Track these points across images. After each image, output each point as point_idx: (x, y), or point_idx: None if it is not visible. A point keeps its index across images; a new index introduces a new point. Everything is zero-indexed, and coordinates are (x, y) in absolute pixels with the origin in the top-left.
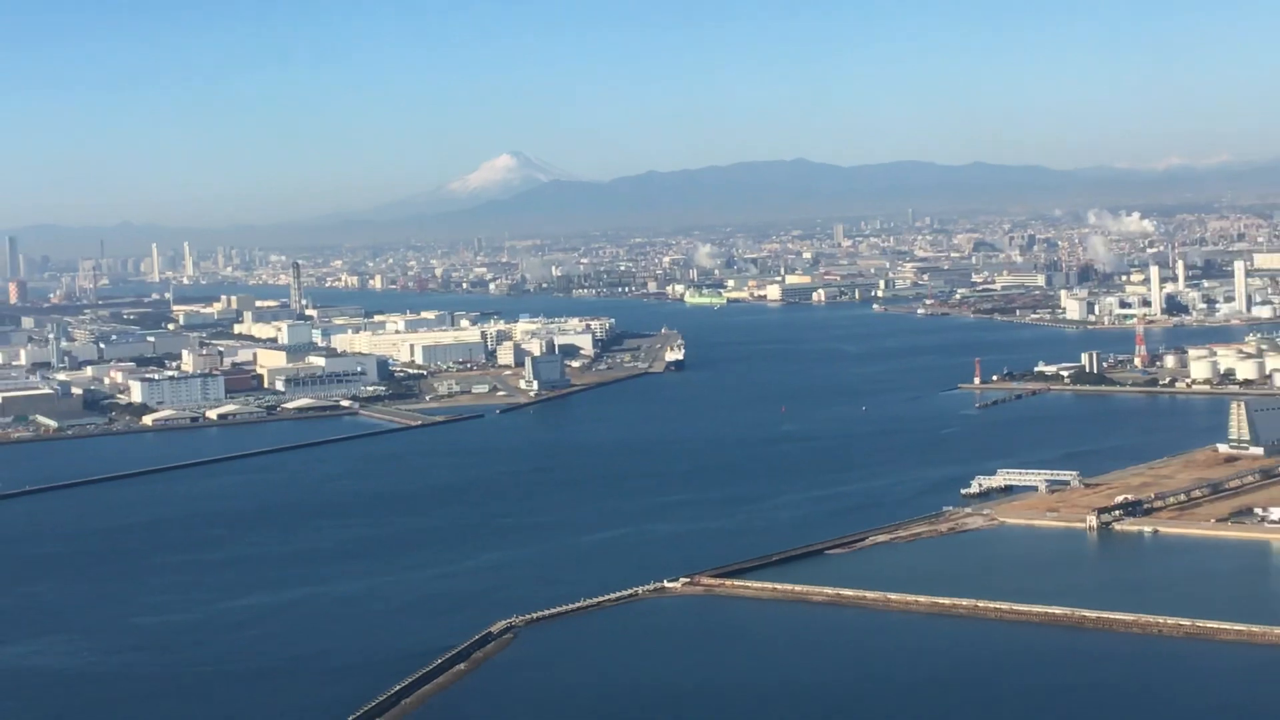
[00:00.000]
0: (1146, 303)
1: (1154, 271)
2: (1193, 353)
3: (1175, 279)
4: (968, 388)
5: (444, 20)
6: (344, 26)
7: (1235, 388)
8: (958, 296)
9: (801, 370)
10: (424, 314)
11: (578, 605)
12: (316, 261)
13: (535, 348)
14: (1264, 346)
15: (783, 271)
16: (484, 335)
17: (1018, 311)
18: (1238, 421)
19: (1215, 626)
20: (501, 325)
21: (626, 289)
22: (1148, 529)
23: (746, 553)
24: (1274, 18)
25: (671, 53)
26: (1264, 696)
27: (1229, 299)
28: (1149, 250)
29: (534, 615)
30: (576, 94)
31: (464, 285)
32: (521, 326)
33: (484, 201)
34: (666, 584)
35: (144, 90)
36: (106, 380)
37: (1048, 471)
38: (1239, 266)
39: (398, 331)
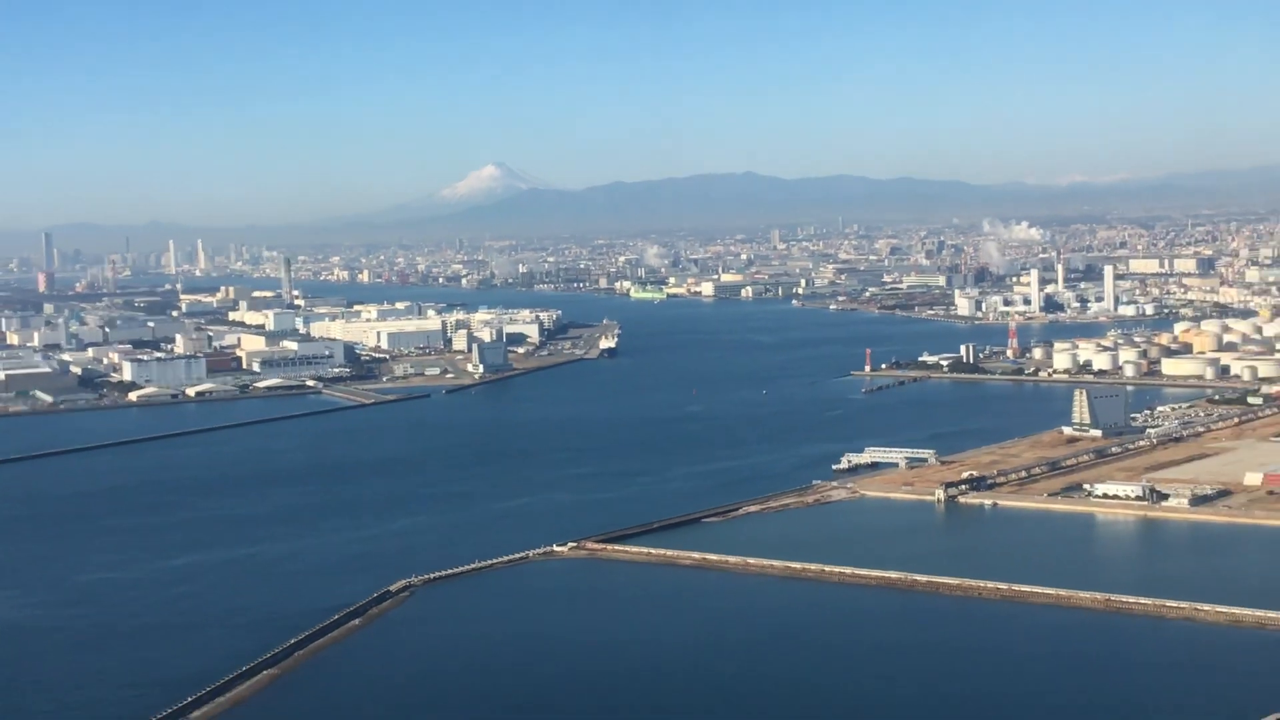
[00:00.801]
0: (1028, 301)
1: (1034, 274)
2: (1057, 345)
3: (1056, 281)
4: (859, 374)
5: (439, 47)
6: (351, 53)
7: (1090, 377)
8: (867, 294)
9: (719, 357)
10: (397, 304)
11: (472, 567)
12: (316, 258)
13: (487, 335)
14: (1119, 340)
15: (720, 271)
16: (444, 324)
17: (916, 308)
18: (1080, 407)
19: (1029, 590)
20: (461, 315)
21: (581, 284)
22: (988, 502)
23: (633, 520)
24: (1170, 50)
25: (639, 77)
26: (1062, 654)
27: (1099, 299)
28: (1041, 255)
29: (431, 575)
30: (554, 112)
31: (441, 280)
32: (479, 316)
33: (471, 207)
34: (555, 548)
35: (175, 108)
36: (105, 361)
37: (909, 450)
38: (1108, 271)
39: (369, 320)
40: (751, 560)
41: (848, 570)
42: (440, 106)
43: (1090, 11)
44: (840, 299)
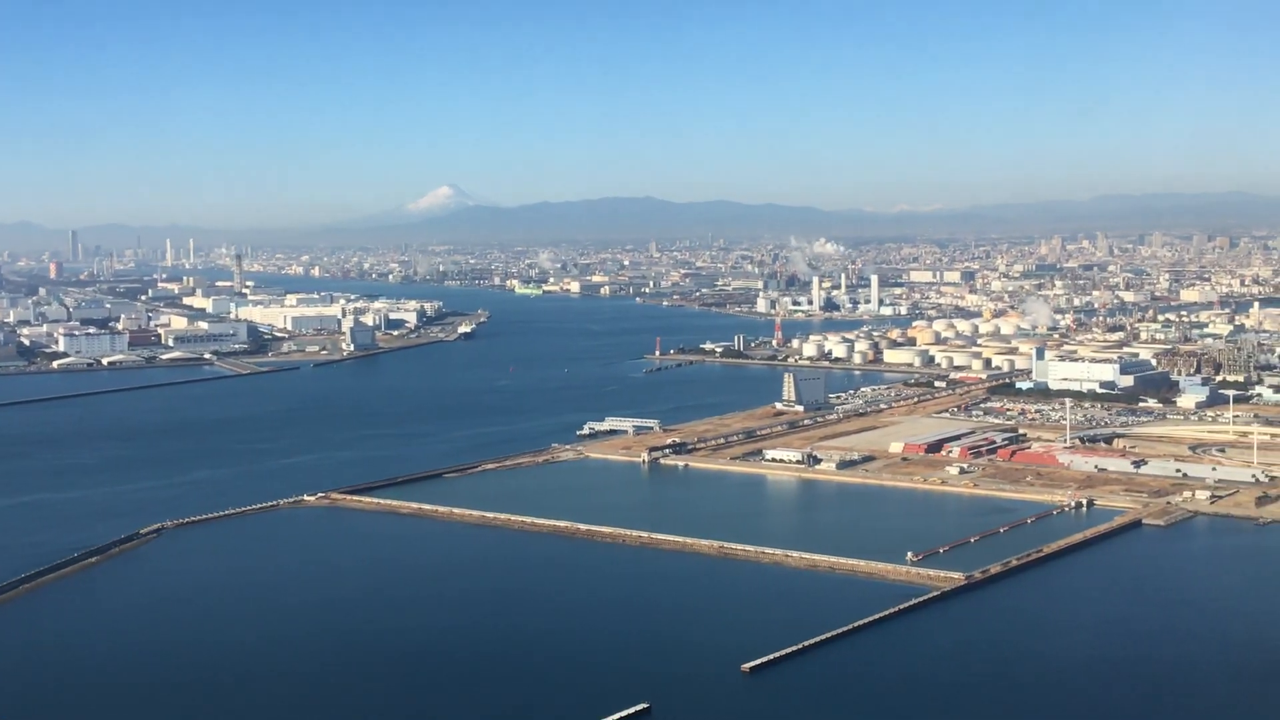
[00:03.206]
0: (811, 302)
1: (815, 280)
2: (813, 338)
3: (840, 287)
4: (650, 357)
5: (409, 90)
6: (337, 94)
7: (826, 364)
8: (696, 294)
9: (552, 341)
10: (316, 294)
11: (224, 513)
12: (290, 256)
13: (370, 320)
14: (860, 334)
15: (595, 273)
16: (343, 309)
17: (728, 305)
18: (788, 387)
19: (662, 538)
20: (362, 303)
21: (482, 281)
22: (682, 464)
23: (395, 473)
24: (979, 103)
25: (564, 116)
26: (681, 594)
27: (868, 301)
28: (850, 266)
29: (184, 519)
30: (495, 145)
31: (374, 276)
32: (376, 305)
33: (429, 218)
34: (305, 497)
35: (198, 134)
36: (55, 334)
37: (638, 419)
38: (874, 279)
39: (287, 306)
40: (456, 510)
41: (528, 519)
42: (408, 137)
43: (913, 78)
44: (674, 297)
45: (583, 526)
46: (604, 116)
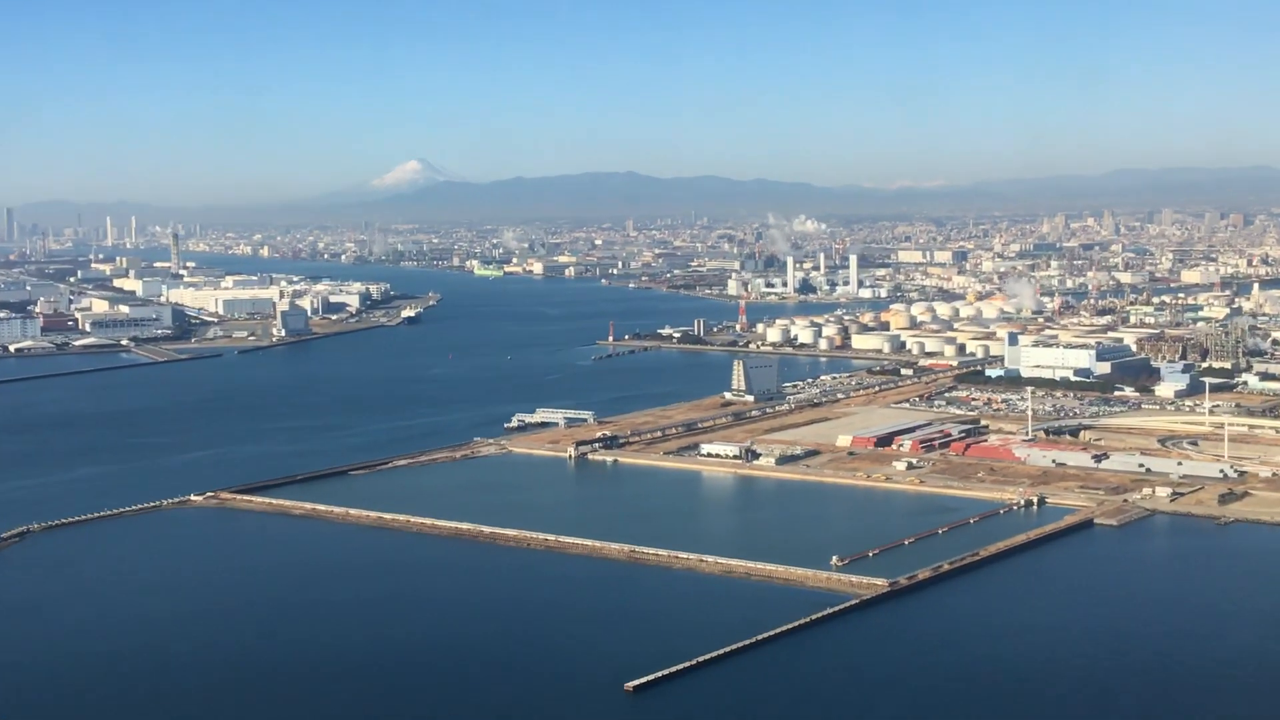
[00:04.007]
0: (786, 283)
1: (791, 261)
2: (779, 322)
3: (819, 267)
4: (603, 344)
5: (377, 65)
6: (305, 69)
7: (791, 350)
8: (666, 275)
9: (503, 326)
10: (255, 276)
11: (98, 514)
12: (243, 235)
13: (308, 304)
14: (832, 318)
15: (564, 254)
16: (280, 292)
17: (697, 287)
18: (738, 375)
19: (570, 541)
20: (301, 285)
21: (441, 262)
22: (610, 459)
23: (292, 470)
24: (984, 74)
25: (541, 86)
26: (575, 604)
27: (846, 283)
28: (836, 246)
29: (55, 521)
30: (467, 117)
31: (326, 256)
32: (316, 288)
33: (395, 195)
34: (192, 497)
35: (150, 104)
36: None
37: (570, 411)
38: (853, 260)
39: (223, 288)
40: (353, 511)
41: (427, 521)
42: (374, 108)
43: (914, 46)
44: (643, 279)
45: (486, 529)
46: (584, 86)
